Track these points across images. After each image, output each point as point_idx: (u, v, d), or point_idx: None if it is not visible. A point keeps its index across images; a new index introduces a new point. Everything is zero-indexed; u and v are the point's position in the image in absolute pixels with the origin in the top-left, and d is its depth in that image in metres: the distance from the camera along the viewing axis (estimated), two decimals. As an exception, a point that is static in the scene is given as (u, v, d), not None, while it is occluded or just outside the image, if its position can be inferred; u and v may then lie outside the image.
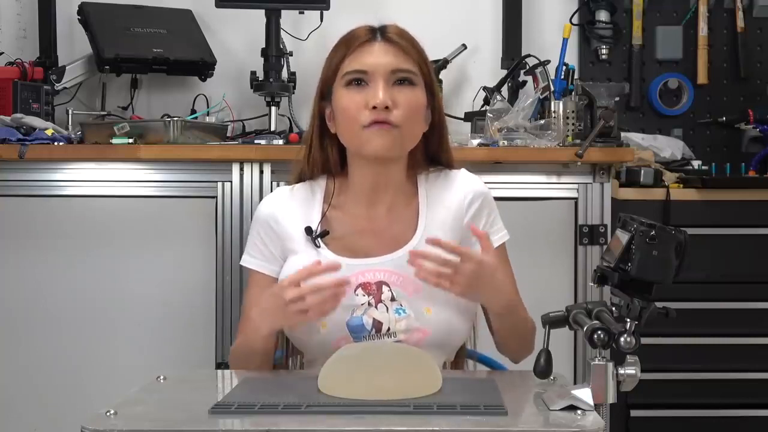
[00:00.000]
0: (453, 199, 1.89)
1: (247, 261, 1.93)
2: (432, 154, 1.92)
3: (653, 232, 1.45)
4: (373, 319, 1.78)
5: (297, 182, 1.94)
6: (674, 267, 1.47)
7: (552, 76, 3.00)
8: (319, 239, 1.85)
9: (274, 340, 1.82)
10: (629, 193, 2.90)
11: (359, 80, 1.81)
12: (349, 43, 1.83)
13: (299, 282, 1.66)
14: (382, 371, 1.49)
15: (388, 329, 1.78)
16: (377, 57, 1.81)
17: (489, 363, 1.98)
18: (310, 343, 1.82)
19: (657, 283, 1.47)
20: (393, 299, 1.79)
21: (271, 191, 2.06)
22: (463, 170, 1.94)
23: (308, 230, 1.86)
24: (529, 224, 2.78)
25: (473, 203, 1.89)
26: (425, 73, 1.85)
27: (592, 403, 1.40)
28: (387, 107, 1.77)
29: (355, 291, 1.79)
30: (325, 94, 1.87)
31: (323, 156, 1.90)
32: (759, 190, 2.93)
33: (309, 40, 3.23)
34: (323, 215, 1.88)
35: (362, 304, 1.79)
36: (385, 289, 1.80)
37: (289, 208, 1.90)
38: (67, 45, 3.32)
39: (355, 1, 3.22)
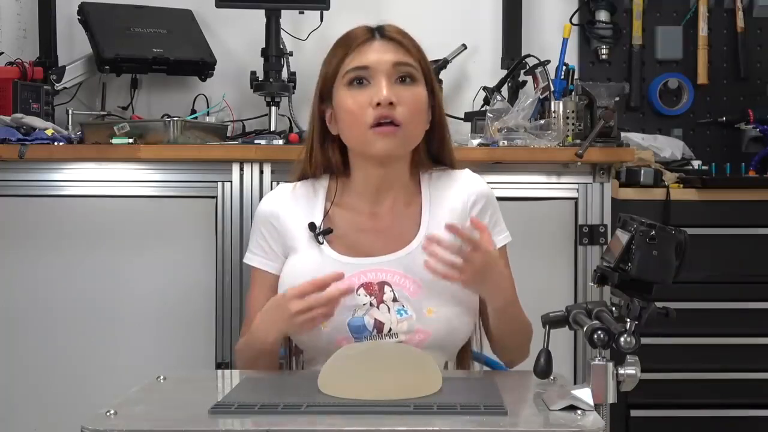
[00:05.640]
0: (456, 199, 1.89)
1: (249, 258, 1.93)
2: (434, 153, 1.92)
3: (653, 232, 1.45)
4: (375, 319, 1.78)
5: (298, 181, 1.94)
6: (674, 267, 1.47)
7: (552, 76, 3.00)
8: (321, 237, 1.84)
9: (280, 342, 1.82)
10: (629, 193, 2.90)
11: (361, 79, 1.80)
12: (349, 43, 1.83)
13: (305, 293, 1.66)
14: (383, 371, 1.49)
15: (390, 330, 1.78)
16: (378, 53, 1.81)
17: (491, 364, 1.98)
18: (311, 343, 1.82)
19: (657, 283, 1.47)
20: (395, 300, 1.79)
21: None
22: (466, 170, 1.94)
23: (311, 226, 1.85)
24: (529, 224, 2.78)
25: (476, 204, 1.89)
26: (425, 70, 1.85)
27: (592, 403, 1.40)
28: (391, 103, 1.77)
29: (357, 291, 1.79)
30: (324, 96, 1.86)
31: (325, 158, 1.90)
32: (759, 190, 2.92)
33: (309, 40, 3.23)
34: (326, 213, 1.87)
35: (364, 305, 1.79)
36: (387, 289, 1.80)
37: (291, 206, 1.90)
38: (67, 45, 3.32)
39: (355, 1, 3.22)
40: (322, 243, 1.84)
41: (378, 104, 1.77)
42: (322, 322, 1.69)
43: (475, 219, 1.77)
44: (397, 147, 1.81)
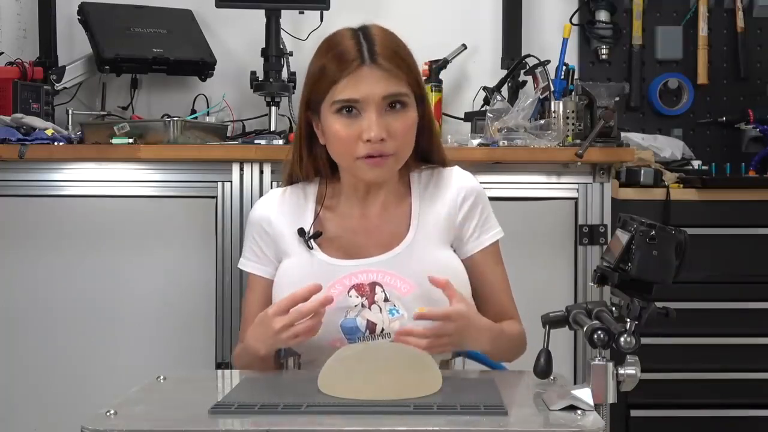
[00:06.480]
0: (446, 197, 1.88)
1: (243, 264, 1.93)
2: (423, 153, 1.91)
3: (653, 232, 1.45)
4: (367, 320, 1.79)
5: (288, 185, 1.94)
6: (674, 267, 1.47)
7: (552, 76, 3.00)
8: (311, 240, 1.85)
9: (274, 352, 1.82)
10: (629, 193, 2.90)
11: (350, 108, 1.77)
12: (339, 64, 1.77)
13: (286, 309, 1.66)
14: (382, 371, 1.49)
15: (382, 330, 1.78)
16: (369, 85, 1.75)
17: (487, 362, 1.98)
18: (306, 345, 1.81)
19: (657, 283, 1.47)
20: (386, 300, 1.79)
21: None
22: (456, 167, 1.93)
23: (301, 232, 1.86)
24: (529, 224, 2.78)
25: (466, 200, 1.88)
26: (416, 88, 1.82)
27: (592, 403, 1.40)
28: (382, 139, 1.75)
29: (348, 293, 1.79)
30: (312, 106, 1.83)
31: (313, 162, 1.89)
32: (759, 190, 2.93)
33: (309, 40, 3.23)
34: (316, 216, 1.87)
35: (356, 306, 1.79)
36: (378, 290, 1.80)
37: (282, 210, 1.90)
38: (67, 45, 3.32)
39: (355, 1, 3.22)
40: (312, 248, 1.84)
41: (368, 140, 1.76)
42: (311, 336, 1.68)
43: (432, 277, 1.72)
44: (387, 174, 1.82)
